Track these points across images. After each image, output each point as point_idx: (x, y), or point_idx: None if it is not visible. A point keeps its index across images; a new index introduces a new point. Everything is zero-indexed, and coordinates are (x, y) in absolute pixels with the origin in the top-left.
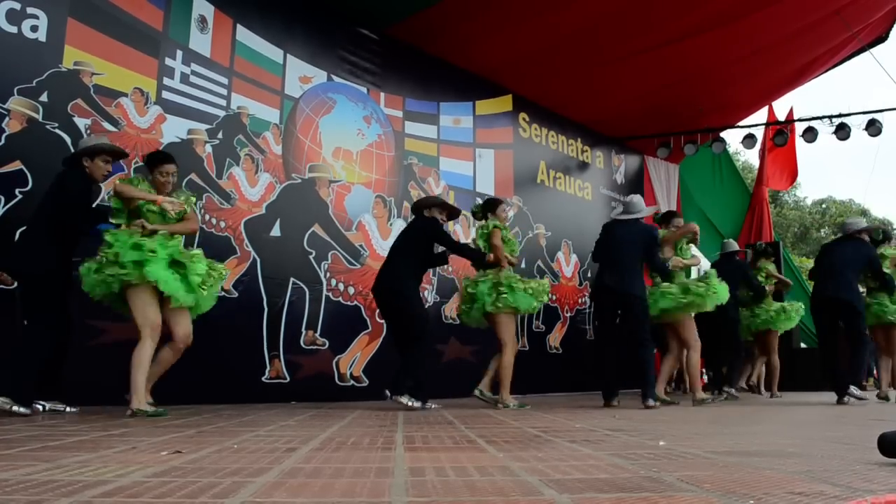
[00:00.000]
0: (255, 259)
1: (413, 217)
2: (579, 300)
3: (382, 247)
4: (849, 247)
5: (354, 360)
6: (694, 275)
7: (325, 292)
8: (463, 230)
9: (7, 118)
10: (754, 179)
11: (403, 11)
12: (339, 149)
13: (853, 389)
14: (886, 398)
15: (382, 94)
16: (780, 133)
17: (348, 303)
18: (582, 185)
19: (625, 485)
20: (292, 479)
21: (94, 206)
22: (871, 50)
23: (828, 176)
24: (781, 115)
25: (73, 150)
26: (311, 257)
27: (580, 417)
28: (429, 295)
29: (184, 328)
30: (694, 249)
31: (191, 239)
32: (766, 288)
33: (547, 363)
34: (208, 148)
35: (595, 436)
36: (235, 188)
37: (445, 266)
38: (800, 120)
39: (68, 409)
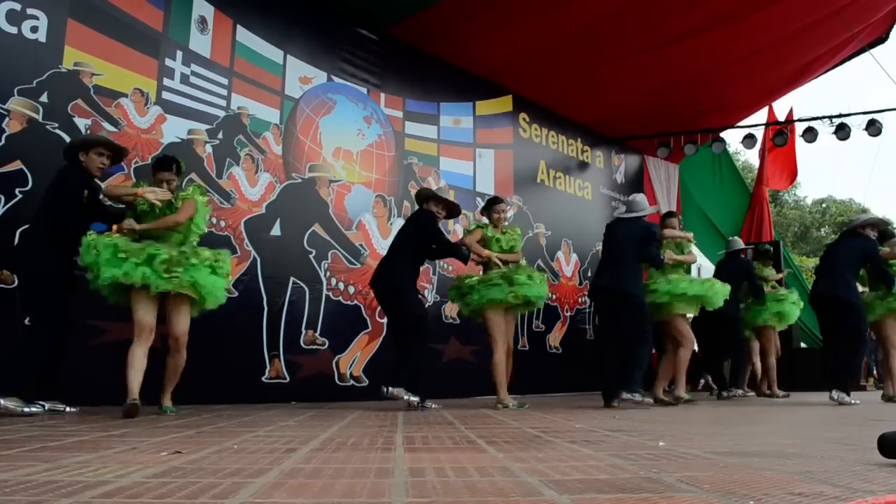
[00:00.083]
0: (256, 258)
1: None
2: (579, 300)
3: (382, 246)
4: (848, 243)
5: (354, 359)
6: (694, 273)
7: (325, 292)
8: (463, 230)
9: (7, 118)
10: (754, 179)
11: (403, 11)
12: (340, 149)
13: (835, 393)
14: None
15: (382, 95)
16: (779, 133)
17: (348, 302)
18: (582, 184)
19: (625, 485)
20: (292, 480)
21: (99, 202)
22: (871, 50)
23: (828, 176)
24: (781, 116)
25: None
26: (311, 257)
27: (580, 418)
28: (429, 294)
29: (177, 325)
30: (693, 248)
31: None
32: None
33: (547, 363)
34: (208, 148)
35: (595, 436)
36: (235, 188)
37: (446, 266)
38: (800, 120)
39: (68, 409)
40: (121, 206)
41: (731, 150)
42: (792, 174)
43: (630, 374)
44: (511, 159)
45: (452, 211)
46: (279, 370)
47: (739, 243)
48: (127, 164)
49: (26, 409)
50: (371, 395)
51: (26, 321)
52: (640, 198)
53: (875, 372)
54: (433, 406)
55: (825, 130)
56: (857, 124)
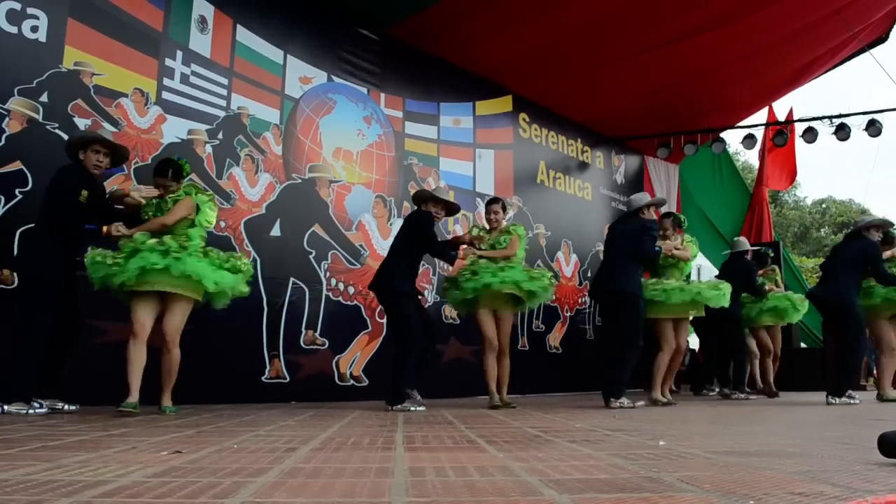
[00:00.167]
0: (256, 259)
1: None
2: (579, 300)
3: (382, 246)
4: (850, 246)
5: (354, 359)
6: (694, 275)
7: (324, 292)
8: (462, 229)
9: (7, 118)
10: (754, 179)
11: (403, 11)
12: (340, 149)
13: (831, 399)
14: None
15: (382, 95)
16: (779, 133)
17: (348, 302)
18: (582, 185)
19: (625, 485)
20: (292, 479)
21: (105, 202)
22: (871, 50)
23: (828, 176)
24: (781, 116)
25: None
26: (311, 257)
27: (580, 417)
28: (429, 295)
29: (167, 323)
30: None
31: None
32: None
33: (547, 363)
34: (208, 148)
35: (595, 436)
36: (235, 188)
37: (446, 267)
38: (800, 120)
39: (67, 406)
40: (120, 207)
41: (731, 150)
42: (791, 174)
43: (615, 379)
44: (511, 160)
45: (451, 210)
46: (279, 370)
47: (745, 244)
48: (127, 165)
49: (30, 412)
50: (371, 395)
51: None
52: (639, 196)
53: (875, 372)
54: (417, 399)
55: (825, 130)
56: (857, 124)
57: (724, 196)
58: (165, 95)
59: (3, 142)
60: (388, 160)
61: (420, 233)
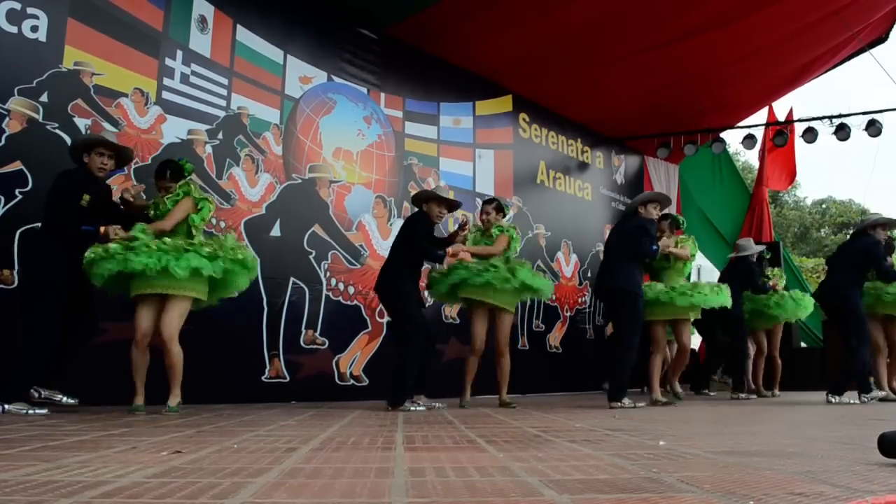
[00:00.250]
0: (255, 259)
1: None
2: (579, 300)
3: (382, 247)
4: (853, 245)
5: (354, 359)
6: (694, 275)
7: (324, 292)
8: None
9: (7, 118)
10: (754, 179)
11: (403, 11)
12: (340, 149)
13: (830, 397)
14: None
15: (382, 95)
16: (779, 133)
17: (348, 302)
18: (582, 185)
19: (625, 485)
20: (292, 480)
21: (110, 203)
22: (871, 50)
23: (828, 176)
24: (781, 116)
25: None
26: (311, 257)
27: (580, 417)
28: (429, 295)
29: (163, 325)
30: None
31: None
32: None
33: (547, 363)
34: (208, 148)
35: (595, 436)
36: (235, 188)
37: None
38: (800, 120)
39: (65, 399)
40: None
41: (731, 150)
42: (791, 174)
43: (618, 380)
44: (511, 160)
45: (452, 206)
46: (279, 370)
47: (749, 247)
48: (127, 165)
49: (31, 412)
50: (371, 395)
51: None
52: (642, 195)
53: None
54: (420, 406)
55: (825, 130)
56: (857, 124)
57: (724, 196)
58: (165, 95)
59: (3, 142)
60: (388, 160)
61: (412, 233)
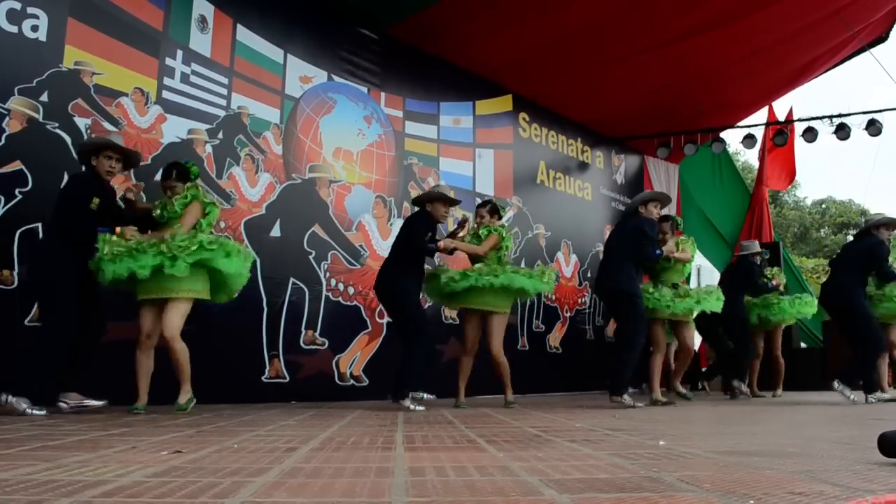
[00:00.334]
0: (255, 259)
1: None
2: (579, 300)
3: (382, 247)
4: (857, 244)
5: (354, 359)
6: (694, 275)
7: (324, 292)
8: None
9: (7, 118)
10: (754, 179)
11: (403, 11)
12: (340, 149)
13: (837, 386)
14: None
15: (383, 94)
16: (779, 133)
17: (348, 303)
18: (582, 185)
19: (625, 485)
20: (292, 479)
21: (115, 205)
22: (871, 50)
23: (828, 176)
24: (781, 116)
25: (76, 149)
26: (310, 257)
27: (580, 417)
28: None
29: (164, 325)
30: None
31: None
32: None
33: (547, 363)
34: (208, 148)
35: (595, 435)
36: (235, 188)
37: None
38: (800, 120)
39: (92, 402)
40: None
41: (731, 150)
42: (790, 174)
43: (618, 377)
44: (511, 159)
45: (453, 204)
46: (279, 370)
47: (753, 247)
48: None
49: (29, 411)
50: (371, 395)
51: (26, 321)
52: (640, 195)
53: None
54: (426, 397)
55: (825, 130)
56: (857, 124)
57: (724, 196)
58: (166, 95)
59: (3, 142)
60: (388, 160)
61: (410, 232)
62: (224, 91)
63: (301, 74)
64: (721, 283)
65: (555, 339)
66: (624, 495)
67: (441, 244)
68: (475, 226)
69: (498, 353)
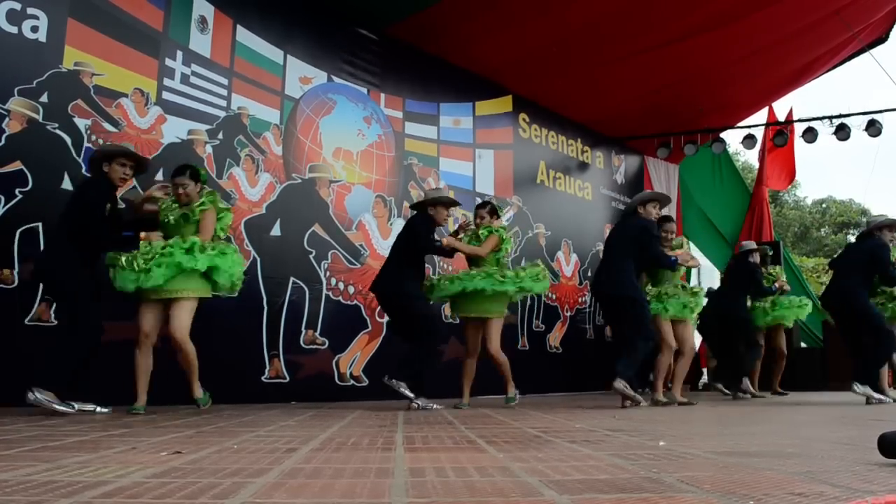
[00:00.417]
0: (256, 258)
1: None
2: (579, 300)
3: (382, 246)
4: (859, 246)
5: (354, 359)
6: (694, 278)
7: (324, 292)
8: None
9: (7, 118)
10: (754, 179)
11: (403, 11)
12: (340, 149)
13: (857, 387)
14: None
15: (382, 95)
16: (779, 133)
17: (348, 302)
18: (582, 185)
19: (625, 485)
20: (292, 480)
21: (118, 213)
22: (871, 50)
23: (828, 176)
24: (781, 116)
25: (82, 154)
26: (311, 257)
27: (580, 417)
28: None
29: (172, 325)
30: (693, 250)
31: None
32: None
33: (547, 363)
34: (209, 148)
35: (595, 436)
36: (236, 188)
37: (447, 267)
38: (800, 120)
39: (98, 408)
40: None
41: (731, 150)
42: (790, 174)
43: (626, 362)
44: (511, 160)
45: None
46: (279, 370)
47: (751, 244)
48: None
49: (58, 407)
50: (371, 395)
51: (26, 321)
52: (640, 194)
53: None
54: (435, 406)
55: (825, 131)
56: (857, 124)
57: (725, 196)
58: (165, 95)
59: (3, 142)
60: (388, 160)
61: (414, 234)
62: (224, 92)
63: (301, 75)
64: (722, 285)
65: (555, 338)
66: (624, 496)
67: (445, 241)
68: (475, 226)
69: (496, 353)
